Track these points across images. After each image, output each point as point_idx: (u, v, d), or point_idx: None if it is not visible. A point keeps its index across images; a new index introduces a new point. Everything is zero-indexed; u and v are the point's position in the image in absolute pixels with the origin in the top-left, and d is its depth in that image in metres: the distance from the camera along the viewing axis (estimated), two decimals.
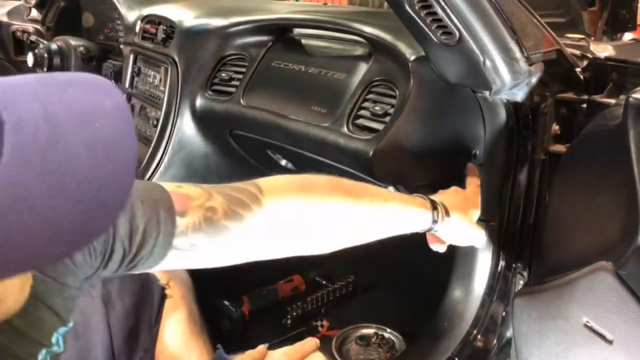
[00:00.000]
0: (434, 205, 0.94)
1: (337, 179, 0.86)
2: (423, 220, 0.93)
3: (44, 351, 0.60)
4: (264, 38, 1.43)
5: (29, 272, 0.57)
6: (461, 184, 1.13)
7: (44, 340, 0.60)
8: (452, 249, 1.27)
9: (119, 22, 1.87)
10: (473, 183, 1.07)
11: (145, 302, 1.10)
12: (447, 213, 0.95)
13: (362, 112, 1.10)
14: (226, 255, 0.75)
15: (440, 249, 1.03)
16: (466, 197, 1.02)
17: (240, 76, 1.41)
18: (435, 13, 0.91)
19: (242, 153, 1.51)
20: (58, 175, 0.41)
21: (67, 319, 0.64)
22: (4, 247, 0.39)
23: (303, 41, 1.41)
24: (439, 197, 0.98)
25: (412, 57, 1.06)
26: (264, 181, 0.79)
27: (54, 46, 1.93)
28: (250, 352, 1.00)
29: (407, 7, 0.92)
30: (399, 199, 0.91)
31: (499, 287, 1.21)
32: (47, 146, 0.40)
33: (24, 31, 2.36)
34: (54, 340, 0.61)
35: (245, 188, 0.76)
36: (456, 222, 0.96)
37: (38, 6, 2.29)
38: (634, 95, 0.84)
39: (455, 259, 1.27)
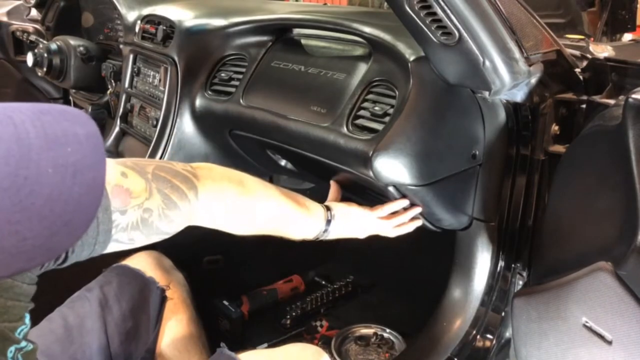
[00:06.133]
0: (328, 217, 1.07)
1: (262, 181, 0.99)
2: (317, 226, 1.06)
3: (12, 348, 0.61)
4: (264, 38, 1.43)
5: None
6: (460, 184, 1.13)
7: (11, 335, 0.61)
8: (452, 249, 1.28)
9: (118, 22, 1.87)
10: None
11: (143, 304, 1.10)
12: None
13: (362, 112, 1.10)
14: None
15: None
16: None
17: (240, 76, 1.41)
18: (434, 13, 0.91)
19: (242, 153, 1.51)
20: (24, 192, 0.43)
21: (23, 315, 0.64)
22: None
23: (303, 41, 1.41)
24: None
25: (412, 58, 1.06)
26: (202, 169, 0.87)
27: (53, 46, 1.93)
28: None
29: (407, 8, 0.92)
30: (301, 210, 1.02)
31: (498, 287, 1.22)
32: (17, 165, 0.43)
33: (23, 31, 2.36)
34: (19, 335, 0.62)
35: (186, 175, 0.83)
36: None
37: (38, 6, 2.29)
38: (633, 96, 0.84)
39: (454, 259, 1.27)
